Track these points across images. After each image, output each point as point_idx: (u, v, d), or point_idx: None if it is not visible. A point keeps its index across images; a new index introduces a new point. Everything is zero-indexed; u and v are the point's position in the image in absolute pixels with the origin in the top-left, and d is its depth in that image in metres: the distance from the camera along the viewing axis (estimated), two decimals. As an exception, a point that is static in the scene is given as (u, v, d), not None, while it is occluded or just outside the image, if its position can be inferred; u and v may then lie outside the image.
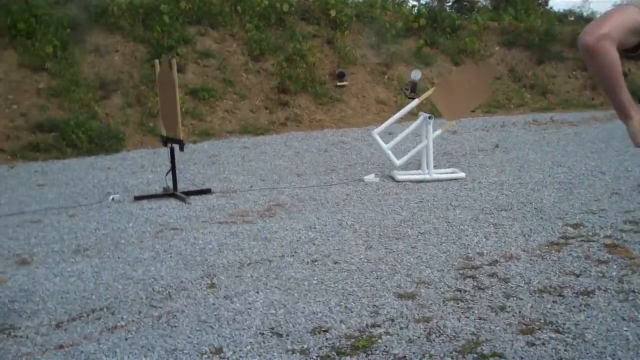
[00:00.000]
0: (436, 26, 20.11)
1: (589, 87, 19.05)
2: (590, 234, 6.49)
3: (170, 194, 8.70)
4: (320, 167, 10.28)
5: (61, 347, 4.42)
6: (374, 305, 4.94)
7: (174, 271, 5.84)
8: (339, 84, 16.70)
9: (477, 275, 5.48)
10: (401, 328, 4.51)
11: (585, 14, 25.20)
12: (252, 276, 5.67)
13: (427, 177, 9.27)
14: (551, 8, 29.69)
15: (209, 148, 12.26)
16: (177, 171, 8.90)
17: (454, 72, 9.93)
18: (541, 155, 10.82)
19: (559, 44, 20.32)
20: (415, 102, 9.60)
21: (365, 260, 5.97)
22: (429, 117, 9.35)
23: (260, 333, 4.52)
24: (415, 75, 9.69)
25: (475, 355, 4.05)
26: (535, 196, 8.12)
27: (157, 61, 9.31)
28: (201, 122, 13.97)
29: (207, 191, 8.85)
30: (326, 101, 16.05)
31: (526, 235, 6.54)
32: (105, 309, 5.03)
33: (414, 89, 9.75)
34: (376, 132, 9.59)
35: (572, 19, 24.49)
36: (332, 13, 18.38)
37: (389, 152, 9.51)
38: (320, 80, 16.44)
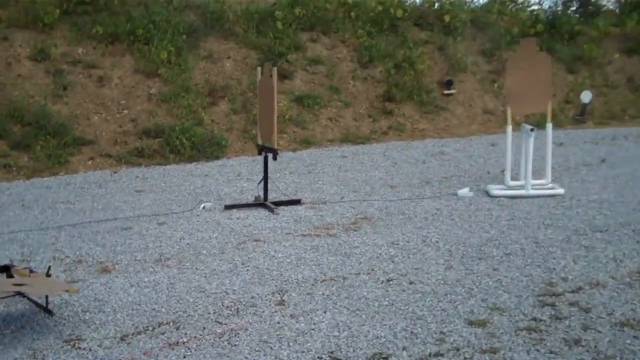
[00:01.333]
0: (554, 32, 19.43)
1: None
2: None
3: (260, 203, 8.74)
4: (415, 179, 10.09)
5: (120, 361, 4.47)
6: (442, 331, 4.76)
7: (247, 285, 5.84)
8: (446, 92, 16.37)
9: (557, 304, 5.21)
10: (465, 359, 4.33)
11: None
12: (323, 294, 5.59)
13: (524, 193, 8.90)
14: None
15: (307, 157, 12.27)
16: (270, 180, 8.91)
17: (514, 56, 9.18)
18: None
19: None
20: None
21: (442, 282, 5.78)
22: (531, 130, 8.92)
23: (318, 357, 4.44)
24: (586, 96, 9.22)
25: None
26: (636, 217, 7.68)
27: (258, 68, 9.34)
28: (304, 130, 14.00)
29: (297, 202, 8.83)
30: (431, 110, 15.76)
31: (618, 261, 6.19)
32: (171, 323, 5.07)
33: (583, 112, 9.32)
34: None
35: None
36: (447, 18, 18.02)
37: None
38: (427, 89, 16.17)
